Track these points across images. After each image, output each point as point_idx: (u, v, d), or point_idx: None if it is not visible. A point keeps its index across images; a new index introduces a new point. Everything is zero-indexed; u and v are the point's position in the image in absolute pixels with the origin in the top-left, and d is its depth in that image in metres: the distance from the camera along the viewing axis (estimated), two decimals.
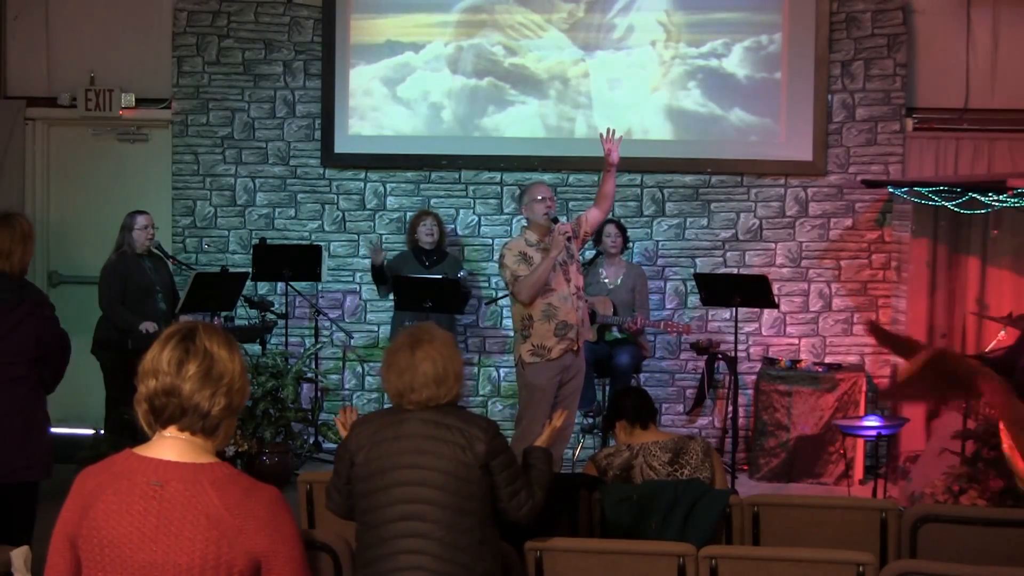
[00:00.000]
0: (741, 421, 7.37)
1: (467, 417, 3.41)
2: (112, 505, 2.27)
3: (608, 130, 6.07)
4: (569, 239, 5.89)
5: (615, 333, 7.24)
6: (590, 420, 7.36)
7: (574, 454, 7.40)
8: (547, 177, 7.82)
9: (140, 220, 6.91)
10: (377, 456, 3.30)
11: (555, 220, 5.89)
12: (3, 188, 8.08)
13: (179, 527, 2.23)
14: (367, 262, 7.99)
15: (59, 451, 7.27)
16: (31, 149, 8.30)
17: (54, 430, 8.19)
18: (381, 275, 7.44)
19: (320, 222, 8.03)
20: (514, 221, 7.86)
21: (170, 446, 2.32)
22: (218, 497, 2.26)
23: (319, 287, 7.94)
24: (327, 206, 8.03)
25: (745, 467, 7.36)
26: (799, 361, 7.47)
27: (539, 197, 5.95)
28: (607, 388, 7.40)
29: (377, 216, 7.99)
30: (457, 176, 7.96)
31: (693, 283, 7.55)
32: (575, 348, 5.92)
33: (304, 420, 7.15)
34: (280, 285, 7.64)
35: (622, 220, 7.60)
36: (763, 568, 3.39)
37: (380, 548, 3.24)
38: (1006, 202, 6.77)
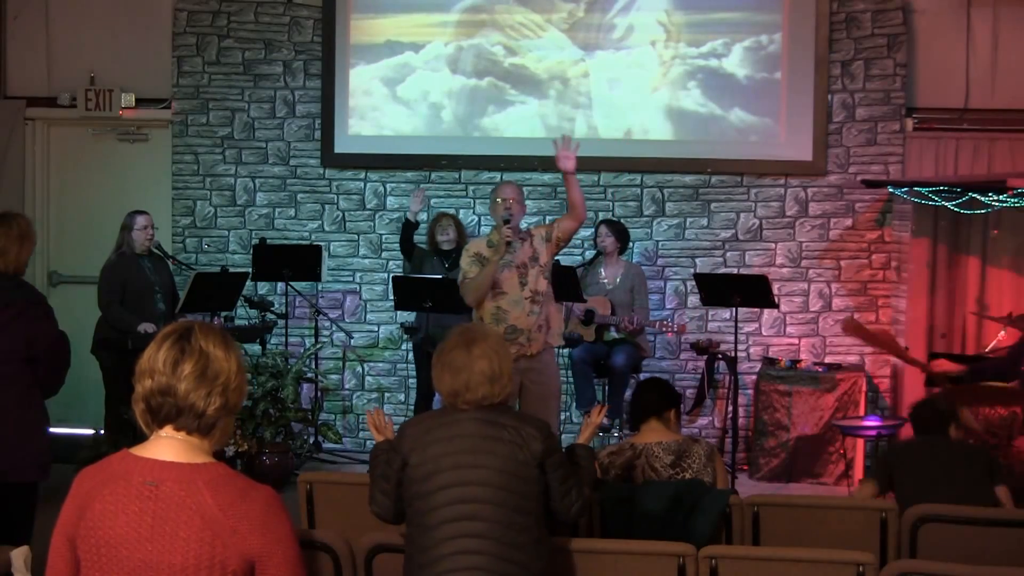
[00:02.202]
0: (741, 421, 7.36)
1: (520, 416, 3.42)
2: (108, 505, 2.27)
3: (563, 137, 5.67)
4: (509, 243, 5.62)
5: (613, 333, 7.24)
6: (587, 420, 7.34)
7: None
8: (547, 177, 7.83)
9: (140, 220, 6.91)
10: (432, 457, 3.27)
11: (506, 221, 5.64)
12: (3, 188, 8.09)
13: (174, 527, 2.23)
14: (367, 262, 8.00)
15: (59, 451, 7.27)
16: (31, 149, 8.31)
17: (54, 430, 8.25)
18: (410, 238, 7.37)
19: (320, 222, 8.03)
20: None
21: (166, 446, 2.31)
22: (212, 497, 2.25)
23: (319, 287, 7.94)
24: (327, 206, 8.04)
25: (745, 467, 7.36)
26: (799, 361, 7.47)
27: (499, 199, 5.76)
28: (606, 388, 7.41)
29: (377, 216, 7.99)
30: (457, 176, 7.96)
31: (693, 283, 7.54)
32: (528, 353, 5.61)
33: (304, 420, 7.15)
34: (280, 285, 7.64)
35: (622, 220, 7.60)
36: (763, 568, 3.38)
37: (436, 549, 3.21)
38: (1006, 202, 6.78)
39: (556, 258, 7.60)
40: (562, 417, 7.66)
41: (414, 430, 3.37)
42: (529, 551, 3.22)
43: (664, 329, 7.29)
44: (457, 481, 3.23)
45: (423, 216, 7.61)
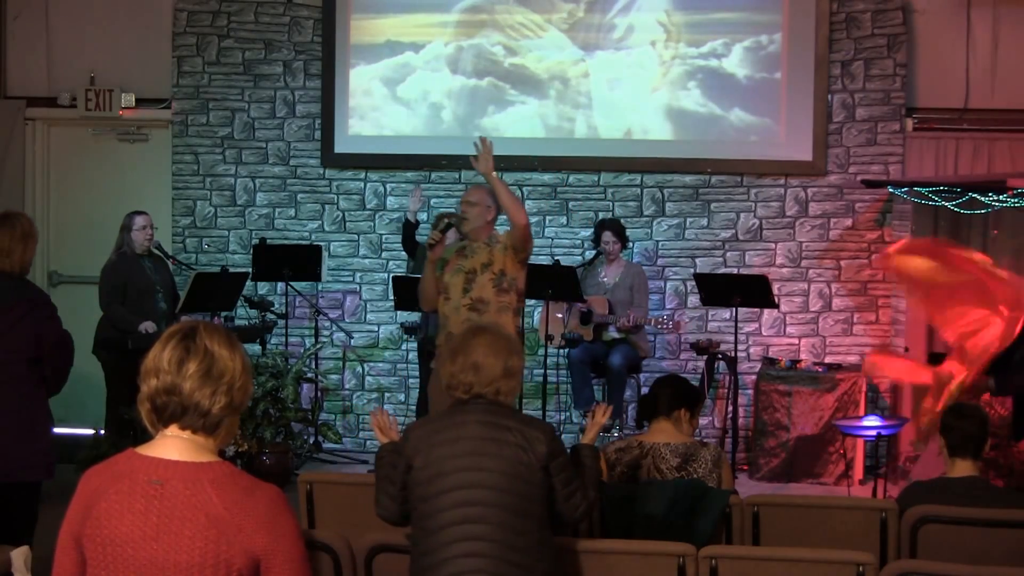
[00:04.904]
0: (741, 421, 7.37)
1: (525, 419, 3.40)
2: (114, 504, 2.28)
3: (480, 139, 5.41)
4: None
5: (611, 332, 7.24)
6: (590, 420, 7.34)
7: None
8: (547, 177, 7.83)
9: (139, 220, 6.91)
10: (435, 459, 3.26)
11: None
12: (3, 188, 8.09)
13: (179, 526, 2.24)
14: (367, 262, 8.00)
15: (59, 451, 7.30)
16: (31, 149, 8.30)
17: (54, 430, 8.25)
18: (412, 237, 7.34)
19: (320, 222, 8.03)
20: None
21: (171, 445, 2.32)
22: (217, 496, 2.26)
23: (319, 287, 7.94)
24: (327, 206, 8.04)
25: (745, 467, 7.35)
26: (799, 361, 7.47)
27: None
28: (605, 388, 7.40)
29: (377, 216, 7.99)
30: (457, 176, 7.96)
31: (693, 283, 7.55)
32: None
33: (304, 420, 7.14)
34: (280, 285, 7.64)
35: (622, 220, 7.60)
36: (763, 568, 3.38)
37: (439, 552, 3.20)
38: (1006, 202, 6.78)
39: (556, 258, 7.65)
40: (561, 417, 7.69)
41: (419, 432, 3.36)
42: (532, 553, 3.21)
43: (660, 326, 7.28)
44: (461, 484, 3.22)
45: (401, 211, 7.61)
